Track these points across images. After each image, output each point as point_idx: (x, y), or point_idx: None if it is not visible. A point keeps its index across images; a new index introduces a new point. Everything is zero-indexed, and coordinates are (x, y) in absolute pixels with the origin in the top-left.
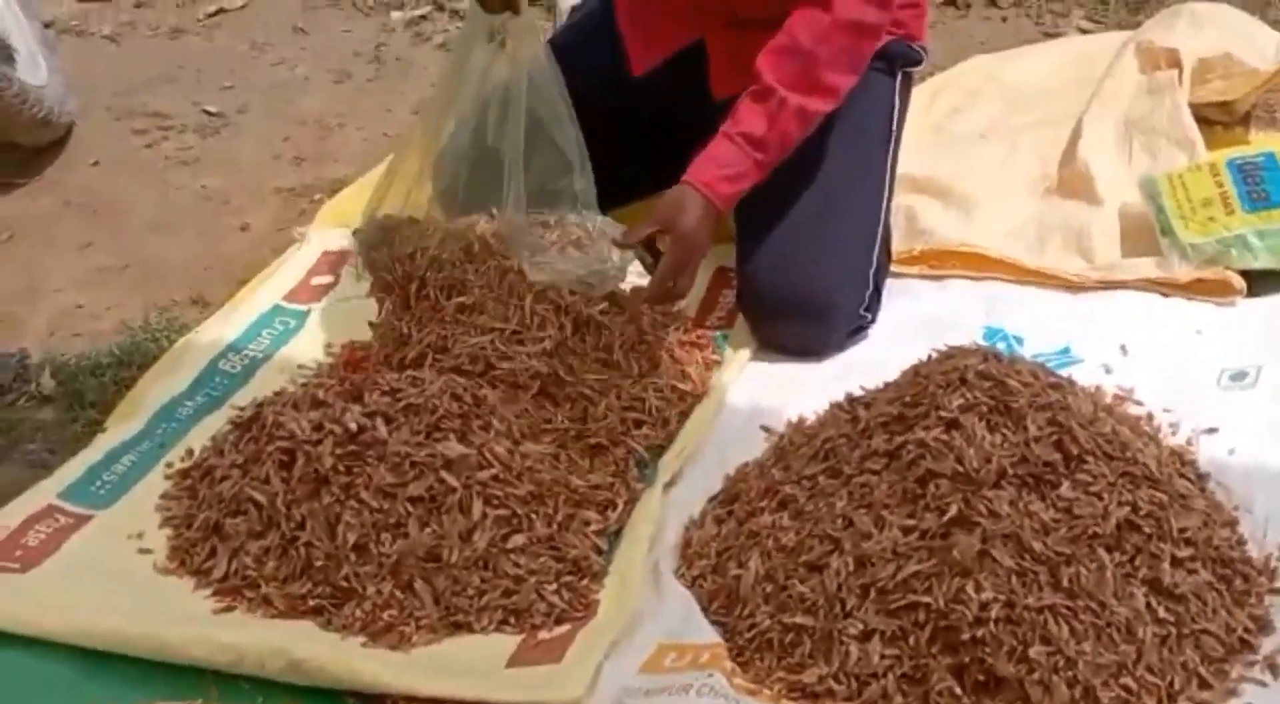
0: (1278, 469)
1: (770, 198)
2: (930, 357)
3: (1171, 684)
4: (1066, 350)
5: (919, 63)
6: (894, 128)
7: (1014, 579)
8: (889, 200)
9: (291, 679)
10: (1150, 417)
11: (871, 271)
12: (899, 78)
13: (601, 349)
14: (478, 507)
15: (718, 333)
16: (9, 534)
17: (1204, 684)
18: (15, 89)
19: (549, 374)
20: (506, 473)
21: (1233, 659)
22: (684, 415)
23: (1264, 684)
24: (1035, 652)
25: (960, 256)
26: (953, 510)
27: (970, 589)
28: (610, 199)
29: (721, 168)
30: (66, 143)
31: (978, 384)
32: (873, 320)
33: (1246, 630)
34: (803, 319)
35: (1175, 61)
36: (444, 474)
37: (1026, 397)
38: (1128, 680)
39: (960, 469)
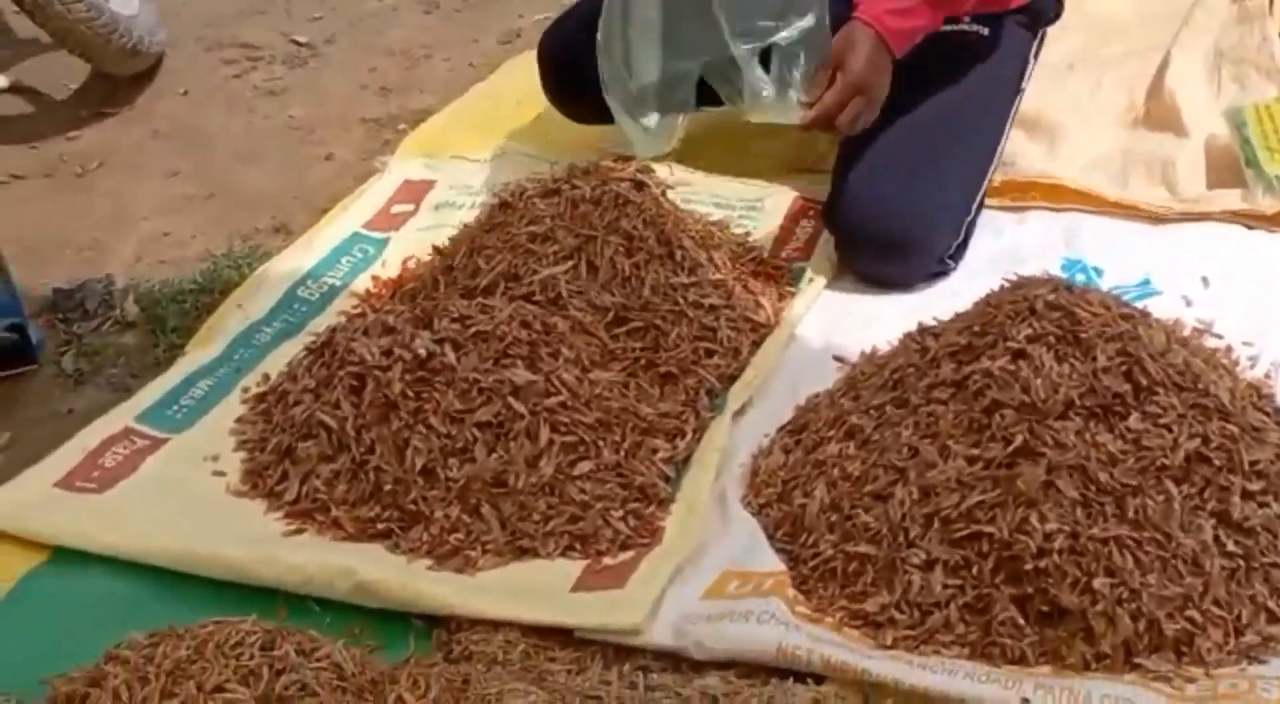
0: None
1: (888, 126)
2: (1002, 287)
3: (1239, 617)
4: (1146, 282)
5: (1058, 18)
6: (1022, 84)
7: (1079, 510)
8: (999, 156)
9: (358, 601)
10: (1229, 350)
11: (966, 221)
12: (1038, 36)
13: (676, 277)
14: (545, 433)
15: (795, 264)
16: (86, 455)
17: (1273, 618)
18: (105, 19)
19: (621, 303)
20: (574, 400)
21: None
22: (756, 346)
23: None
24: (1099, 583)
25: (1040, 188)
26: (1018, 440)
27: (1034, 519)
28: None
29: (890, 0)
30: (156, 73)
31: (1046, 314)
32: (954, 268)
33: None
34: (891, 250)
35: None
36: (511, 400)
37: (1096, 327)
38: (1193, 613)
39: (1026, 399)
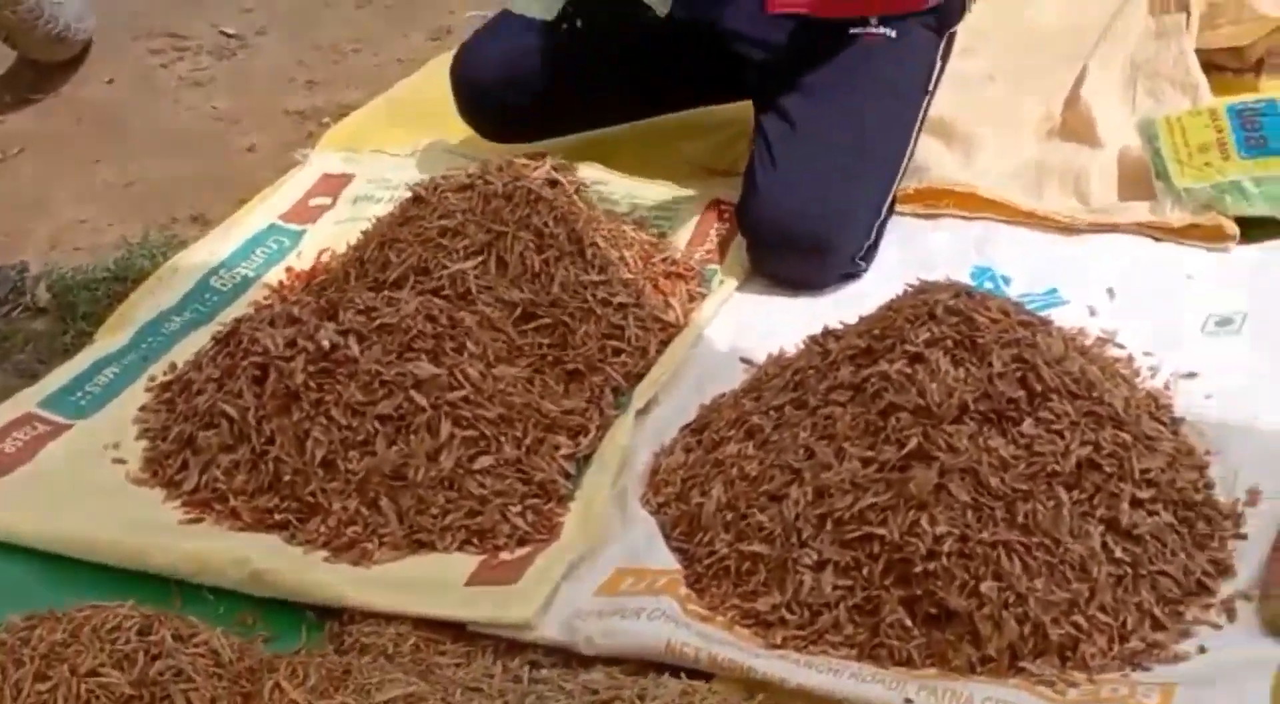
0: (1252, 415)
1: (797, 127)
2: (905, 291)
3: (1124, 624)
4: (1054, 291)
5: (961, 19)
6: (930, 86)
7: (969, 514)
8: (909, 158)
9: (252, 590)
10: (1130, 359)
11: (877, 223)
12: (945, 38)
13: (586, 275)
14: (446, 427)
15: (707, 266)
16: None
17: (1157, 625)
18: (31, 4)
19: (529, 299)
20: (477, 395)
21: (1189, 602)
22: (664, 345)
23: (1218, 627)
24: (986, 587)
25: (954, 196)
26: (912, 444)
27: (925, 522)
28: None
29: None
30: (83, 60)
31: (945, 319)
32: (865, 269)
33: (1205, 573)
34: (802, 251)
35: (1184, 5)
36: (413, 393)
37: (993, 333)
38: (1078, 618)
39: (921, 403)
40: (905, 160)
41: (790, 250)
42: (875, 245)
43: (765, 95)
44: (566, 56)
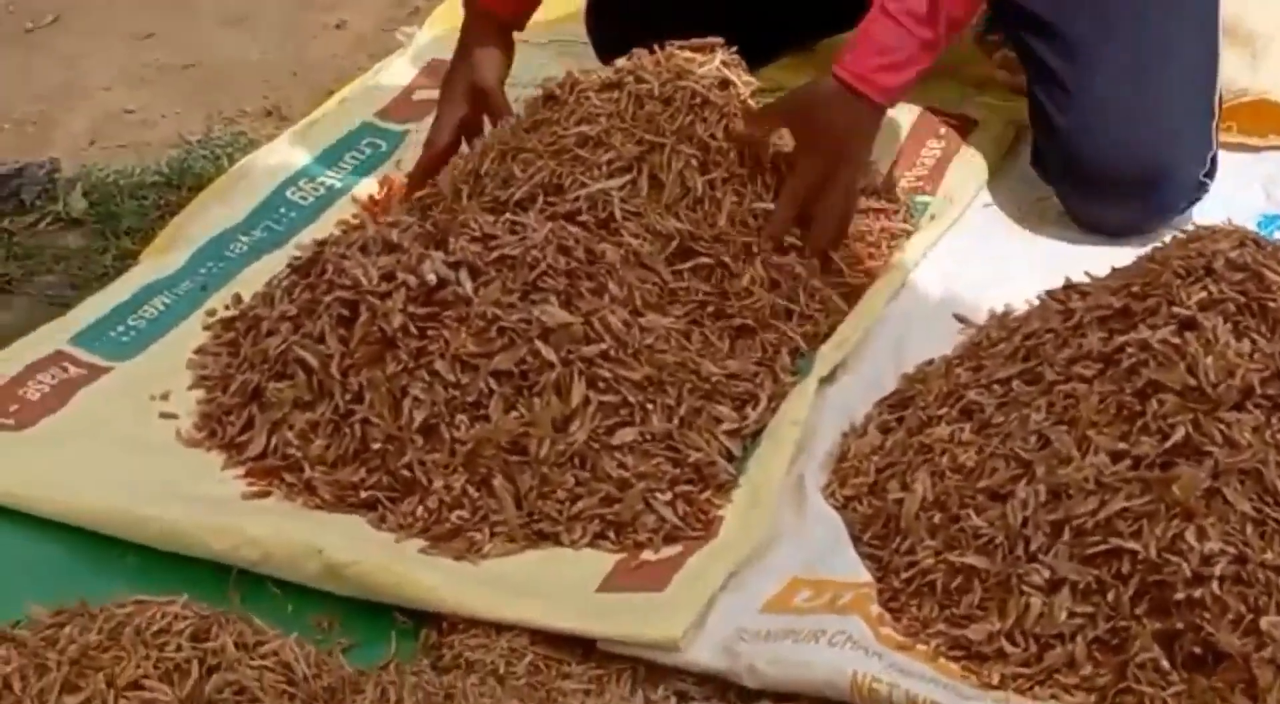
0: None
1: (1080, 38)
2: (1173, 238)
3: None
4: None
5: None
6: None
7: (1249, 528)
8: (1223, 21)
9: (329, 586)
10: None
11: (1213, 124)
12: None
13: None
14: (579, 389)
15: (915, 197)
16: (6, 383)
17: None
18: None
19: (689, 232)
20: (620, 350)
21: None
22: (855, 297)
23: None
24: (1268, 622)
25: (1240, 112)
26: (1178, 434)
27: (1191, 536)
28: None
29: (883, 54)
30: None
31: (1227, 275)
32: (1210, 187)
33: None
34: (1135, 192)
35: None
36: (539, 345)
37: None
38: None
39: (1193, 382)
40: (1218, 31)
41: (1124, 190)
42: (1217, 155)
43: (1000, 5)
44: None
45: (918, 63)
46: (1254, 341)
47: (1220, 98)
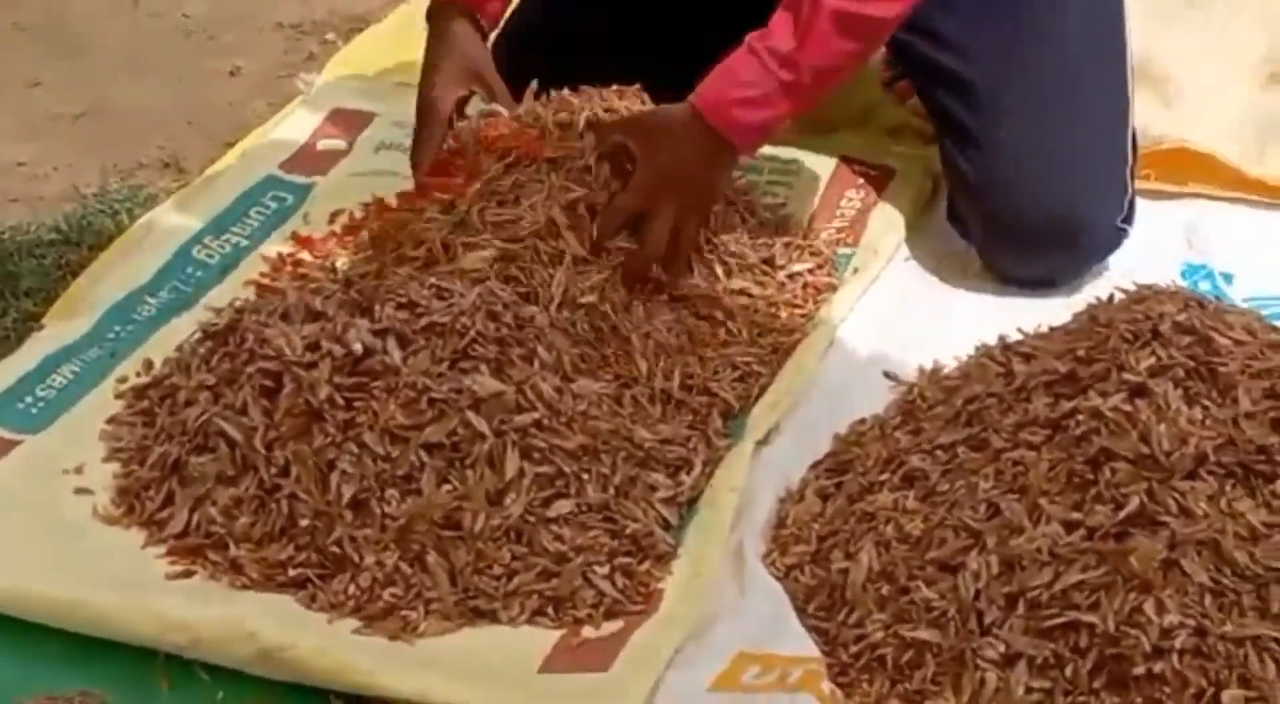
0: None
1: (987, 87)
2: (1114, 297)
3: None
4: None
5: None
6: None
7: (1208, 599)
8: (1132, 68)
9: (261, 671)
10: None
11: (1128, 169)
12: None
13: None
14: (513, 461)
15: (838, 250)
16: None
17: None
18: None
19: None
20: (553, 418)
21: None
22: (784, 355)
23: None
24: (1230, 697)
25: (1157, 158)
26: (1132, 504)
27: (1150, 609)
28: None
29: (740, 88)
30: None
31: (1175, 339)
32: (1129, 233)
33: None
34: (1055, 237)
35: None
36: (471, 416)
37: (1239, 359)
38: None
39: (1145, 451)
40: (1129, 76)
41: (1042, 242)
42: (1134, 200)
43: (904, 55)
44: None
45: (776, 105)
46: (1205, 408)
47: (1135, 142)
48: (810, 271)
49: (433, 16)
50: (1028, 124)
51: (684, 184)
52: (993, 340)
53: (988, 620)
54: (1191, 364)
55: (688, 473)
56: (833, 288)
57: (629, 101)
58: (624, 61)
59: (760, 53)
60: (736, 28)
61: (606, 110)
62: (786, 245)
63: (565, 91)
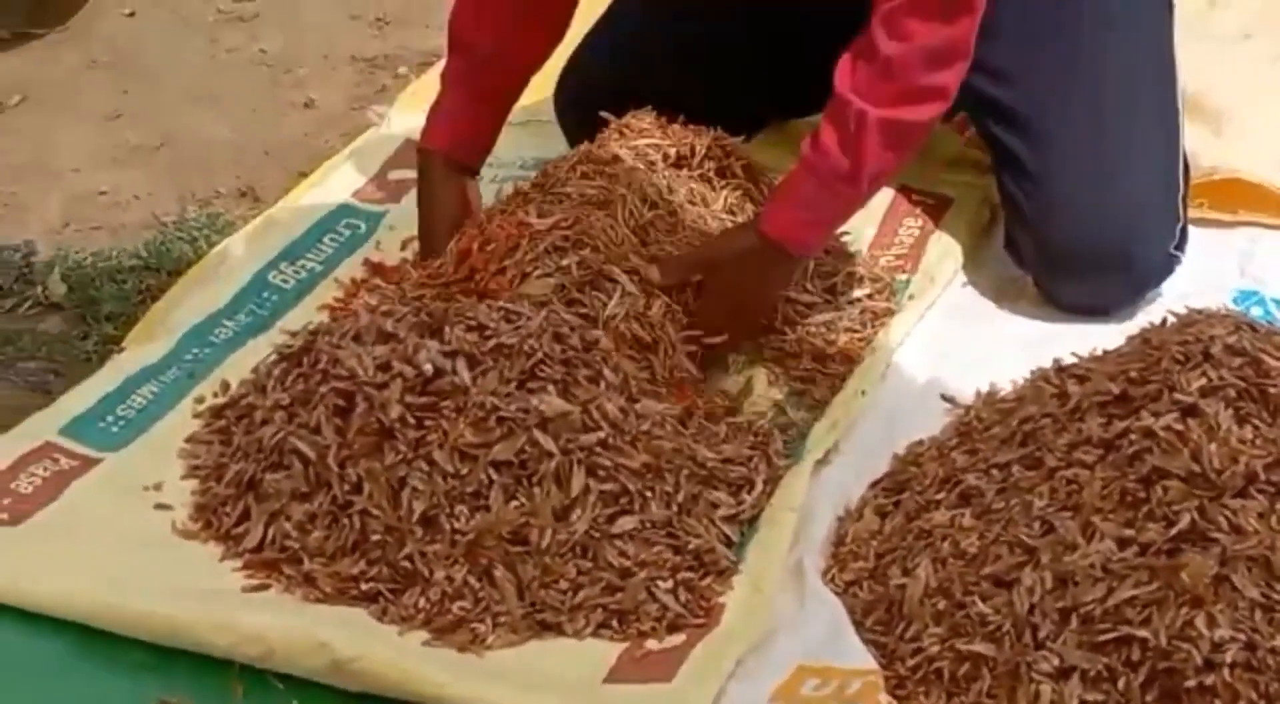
0: None
1: (1038, 118)
2: (1166, 321)
3: None
4: None
5: None
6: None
7: (1258, 614)
8: (1183, 93)
9: (333, 681)
10: None
11: (1180, 196)
12: None
13: None
14: (579, 478)
15: (896, 277)
16: None
17: None
18: None
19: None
20: (618, 437)
21: None
22: (843, 379)
23: None
24: None
25: (1209, 189)
26: (1184, 521)
27: (1201, 623)
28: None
29: (804, 210)
30: None
31: (1226, 361)
32: (1181, 259)
33: None
34: (1106, 271)
35: None
36: (538, 435)
37: None
38: None
39: (1197, 469)
40: (1179, 101)
41: (1096, 270)
42: (1186, 227)
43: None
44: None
45: (840, 217)
46: (1256, 427)
47: (1187, 171)
48: (869, 297)
49: (421, 174)
50: (1079, 154)
51: (750, 306)
52: (1048, 365)
53: (1042, 635)
54: (1242, 385)
55: (749, 491)
56: (890, 313)
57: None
58: (691, 87)
59: (820, 172)
60: (800, 55)
61: (640, 156)
62: (849, 275)
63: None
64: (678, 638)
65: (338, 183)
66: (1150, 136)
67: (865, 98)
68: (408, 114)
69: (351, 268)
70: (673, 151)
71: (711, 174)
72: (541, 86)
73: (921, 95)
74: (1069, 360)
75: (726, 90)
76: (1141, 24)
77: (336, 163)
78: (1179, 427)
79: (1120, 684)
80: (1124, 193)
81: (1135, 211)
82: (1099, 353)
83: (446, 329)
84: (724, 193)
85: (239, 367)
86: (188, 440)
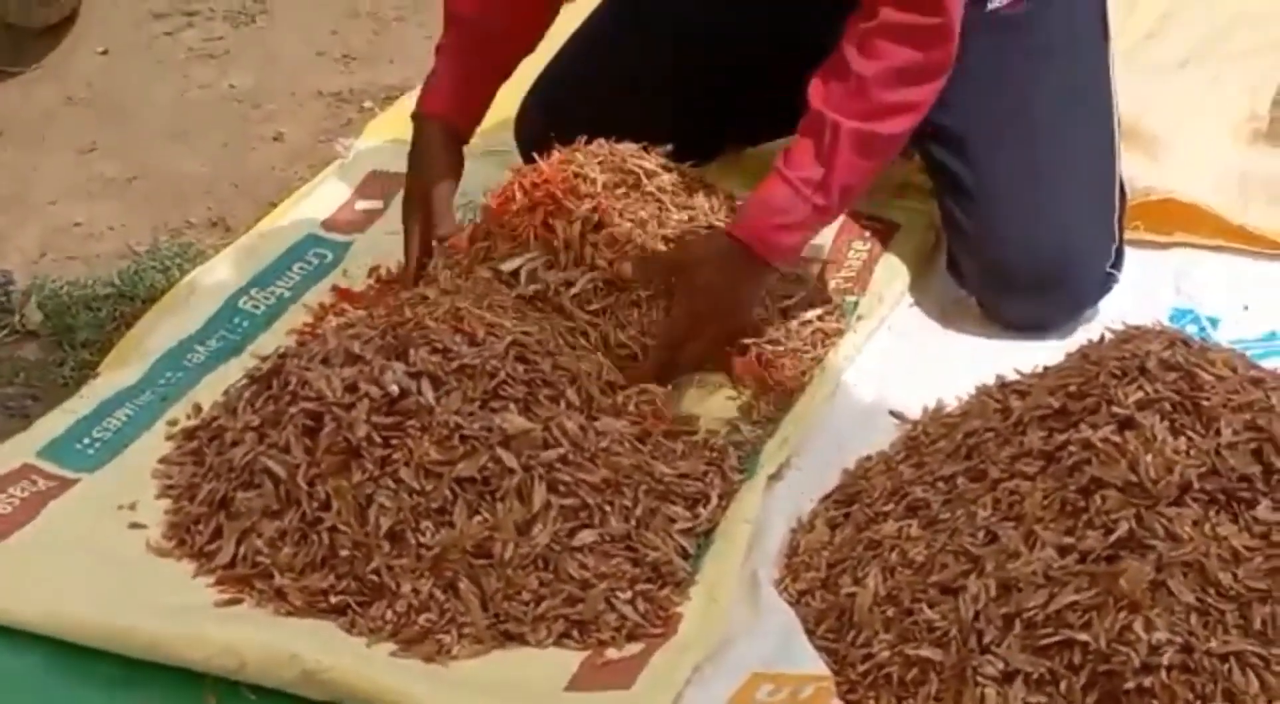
0: None
1: (977, 143)
2: (1104, 337)
3: None
4: (1274, 336)
5: None
6: (1104, 25)
7: (1194, 617)
8: (1118, 121)
9: (304, 692)
10: None
11: (1116, 218)
12: None
13: None
14: (540, 493)
15: (845, 298)
16: None
17: None
18: None
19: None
20: (577, 454)
21: None
22: (795, 396)
23: None
24: None
25: (1145, 210)
26: (1122, 529)
27: (1139, 627)
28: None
29: (776, 215)
30: (72, 26)
31: (1160, 375)
32: (1118, 279)
33: None
34: (1044, 289)
35: None
36: (500, 452)
37: (1221, 393)
38: None
39: (1134, 479)
40: (1115, 124)
41: (1034, 288)
42: (1122, 248)
43: None
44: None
45: (810, 225)
46: (1190, 439)
47: (1123, 193)
48: (820, 318)
49: (414, 144)
50: (1016, 177)
51: (723, 309)
52: (992, 381)
53: (987, 640)
54: (1177, 398)
55: (705, 505)
56: (840, 333)
57: (643, 160)
58: (655, 113)
59: (793, 181)
60: (765, 82)
61: (619, 169)
62: (802, 298)
63: (582, 143)
64: (637, 646)
65: (306, 213)
66: (1086, 160)
67: (838, 111)
68: (373, 146)
69: (319, 294)
70: (625, 176)
71: (665, 197)
72: (504, 110)
73: (894, 109)
74: (1011, 377)
75: (688, 117)
76: (1079, 53)
77: (305, 193)
78: (1116, 438)
79: (1062, 686)
80: (1060, 214)
81: (1071, 232)
82: (1040, 369)
83: (411, 351)
84: (679, 214)
85: (211, 389)
86: (161, 461)
